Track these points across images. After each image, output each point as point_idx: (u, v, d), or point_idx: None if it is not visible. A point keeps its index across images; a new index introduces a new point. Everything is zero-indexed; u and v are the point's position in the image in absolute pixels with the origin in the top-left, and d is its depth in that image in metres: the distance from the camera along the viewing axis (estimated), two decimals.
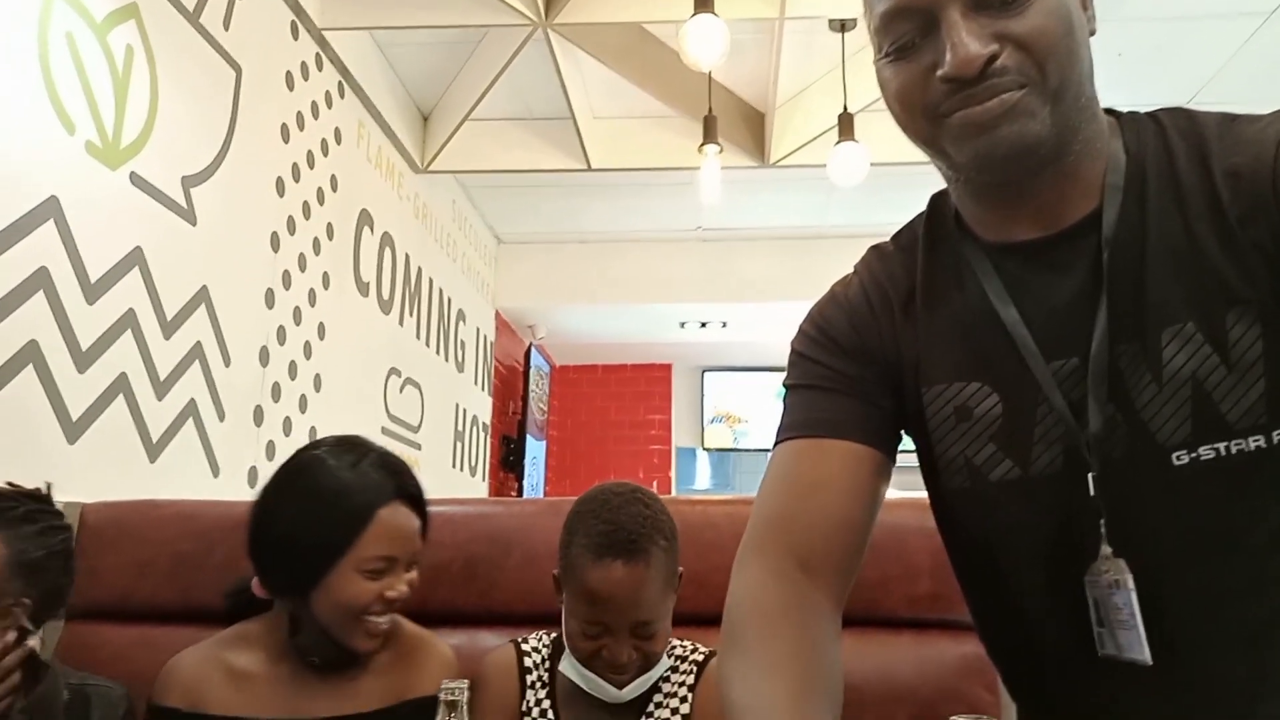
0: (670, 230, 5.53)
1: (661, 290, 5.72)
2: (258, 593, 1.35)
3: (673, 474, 7.11)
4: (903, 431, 0.92)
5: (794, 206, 5.14)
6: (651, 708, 1.27)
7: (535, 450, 6.35)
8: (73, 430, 1.99)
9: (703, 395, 7.33)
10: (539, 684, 1.30)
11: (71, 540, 1.38)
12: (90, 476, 1.98)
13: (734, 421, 7.19)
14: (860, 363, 0.90)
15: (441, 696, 0.90)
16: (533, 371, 6.39)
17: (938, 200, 0.93)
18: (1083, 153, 0.80)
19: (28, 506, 1.35)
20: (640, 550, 1.19)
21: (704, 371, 7.33)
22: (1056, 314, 0.81)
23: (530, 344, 6.39)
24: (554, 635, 1.34)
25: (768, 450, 0.93)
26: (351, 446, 1.30)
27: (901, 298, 0.90)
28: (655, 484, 6.92)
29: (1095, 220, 0.80)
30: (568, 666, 1.25)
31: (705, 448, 7.26)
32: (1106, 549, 0.80)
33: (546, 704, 1.28)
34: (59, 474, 1.89)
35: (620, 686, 1.22)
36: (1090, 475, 0.80)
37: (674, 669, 1.30)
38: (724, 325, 6.21)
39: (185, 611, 1.63)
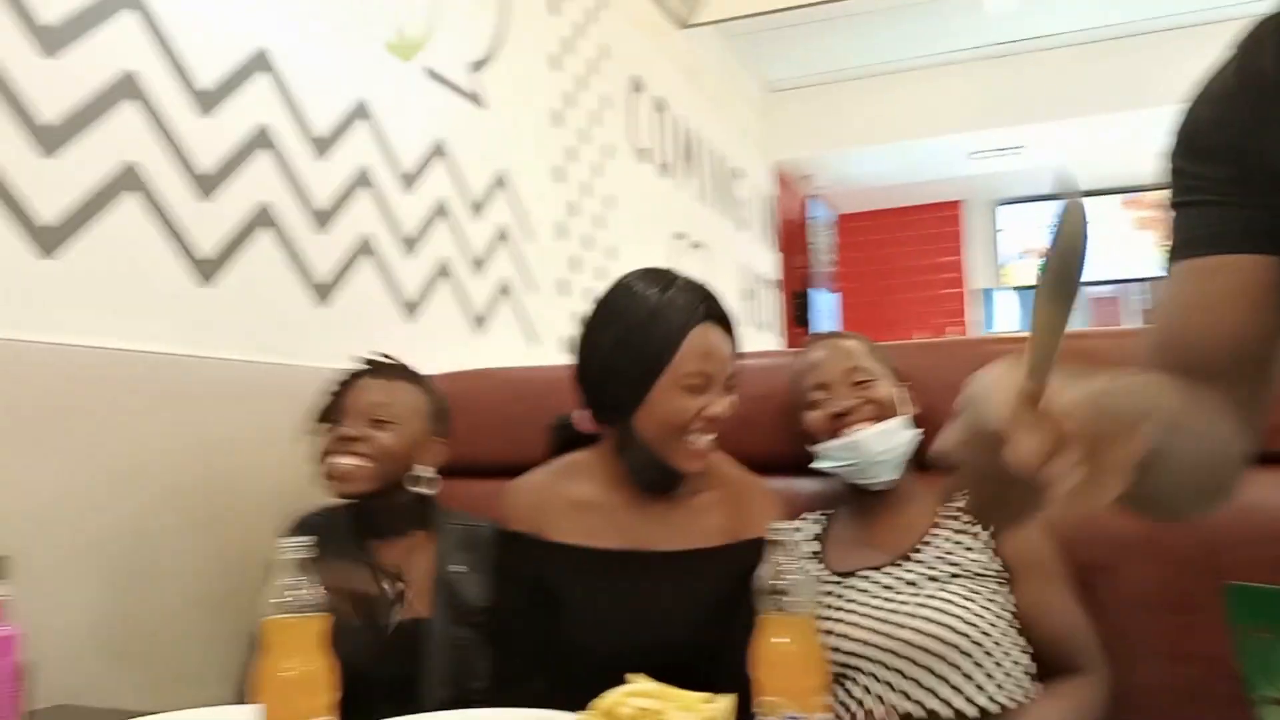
0: (952, 53, 5.07)
1: (947, 120, 5.31)
2: (581, 427, 1.45)
3: (968, 317, 6.76)
4: None
5: (1096, 2, 4.52)
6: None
7: (825, 303, 6.27)
8: (409, 310, 2.21)
9: (997, 231, 6.84)
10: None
11: None
12: (425, 351, 2.20)
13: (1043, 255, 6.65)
14: (1235, 163, 0.77)
15: (771, 537, 0.91)
16: (815, 223, 6.25)
17: None
18: None
19: (415, 371, 1.61)
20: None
21: (998, 205, 6.81)
22: None
23: (810, 195, 6.23)
24: None
25: None
26: (658, 275, 1.36)
27: None
28: (947, 330, 6.63)
29: None
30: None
31: (1006, 286, 6.82)
32: None
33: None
34: (398, 349, 2.12)
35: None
36: None
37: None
38: (1019, 150, 5.69)
39: (520, 467, 1.79)
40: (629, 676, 0.91)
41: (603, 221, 3.22)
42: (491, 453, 1.87)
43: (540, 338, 2.74)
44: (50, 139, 1.42)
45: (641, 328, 1.30)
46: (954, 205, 6.89)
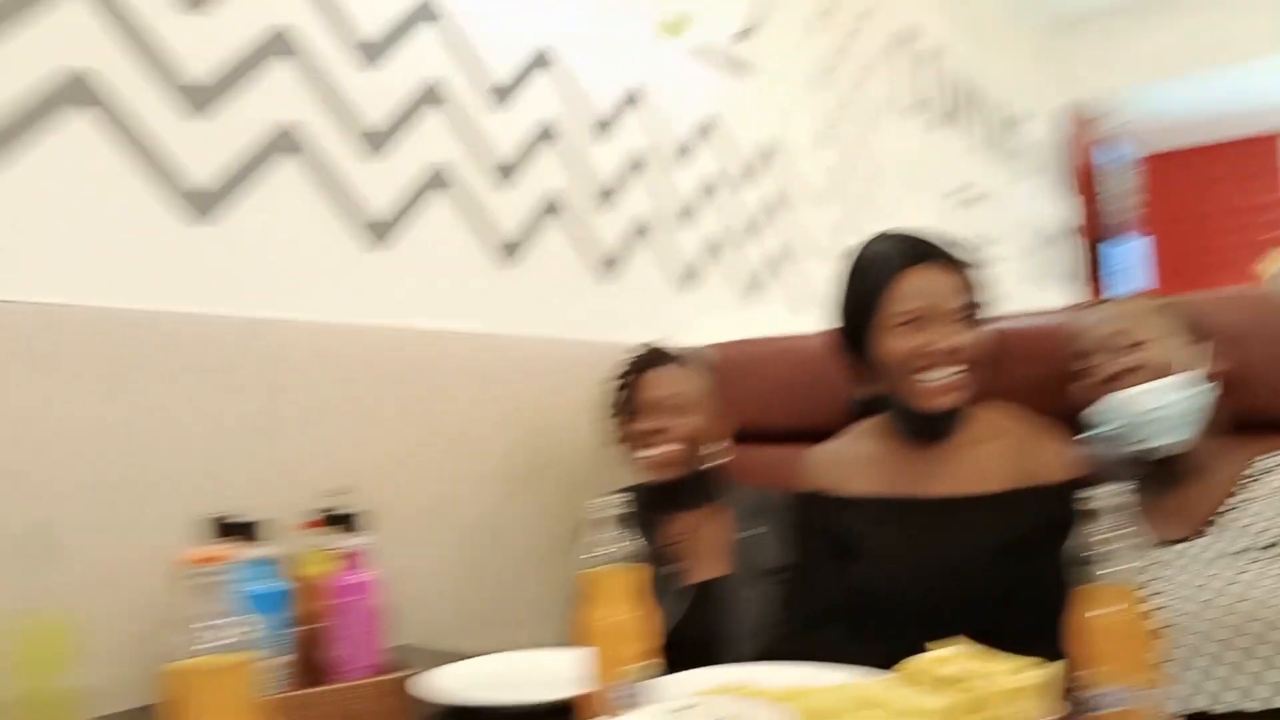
0: None
1: (1261, 42, 4.64)
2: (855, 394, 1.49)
3: None
4: None
5: None
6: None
7: (1132, 251, 5.72)
8: (679, 284, 2.28)
9: None
10: None
11: None
12: (700, 322, 2.26)
13: None
14: None
15: (1085, 505, 0.86)
16: (1115, 166, 5.71)
17: None
18: None
19: (689, 352, 1.71)
20: None
21: None
22: None
23: (1107, 136, 5.69)
24: None
25: None
26: (884, 234, 1.41)
27: None
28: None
29: None
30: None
31: None
32: None
33: None
34: (674, 322, 2.19)
35: None
36: None
37: None
38: None
39: (802, 433, 1.80)
40: (933, 644, 0.90)
41: (873, 182, 3.14)
42: (769, 420, 1.90)
43: (810, 305, 2.73)
44: (374, 141, 1.61)
45: (853, 281, 1.40)
46: (1271, 140, 6.04)
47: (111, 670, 1.16)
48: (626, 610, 0.89)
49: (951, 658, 0.85)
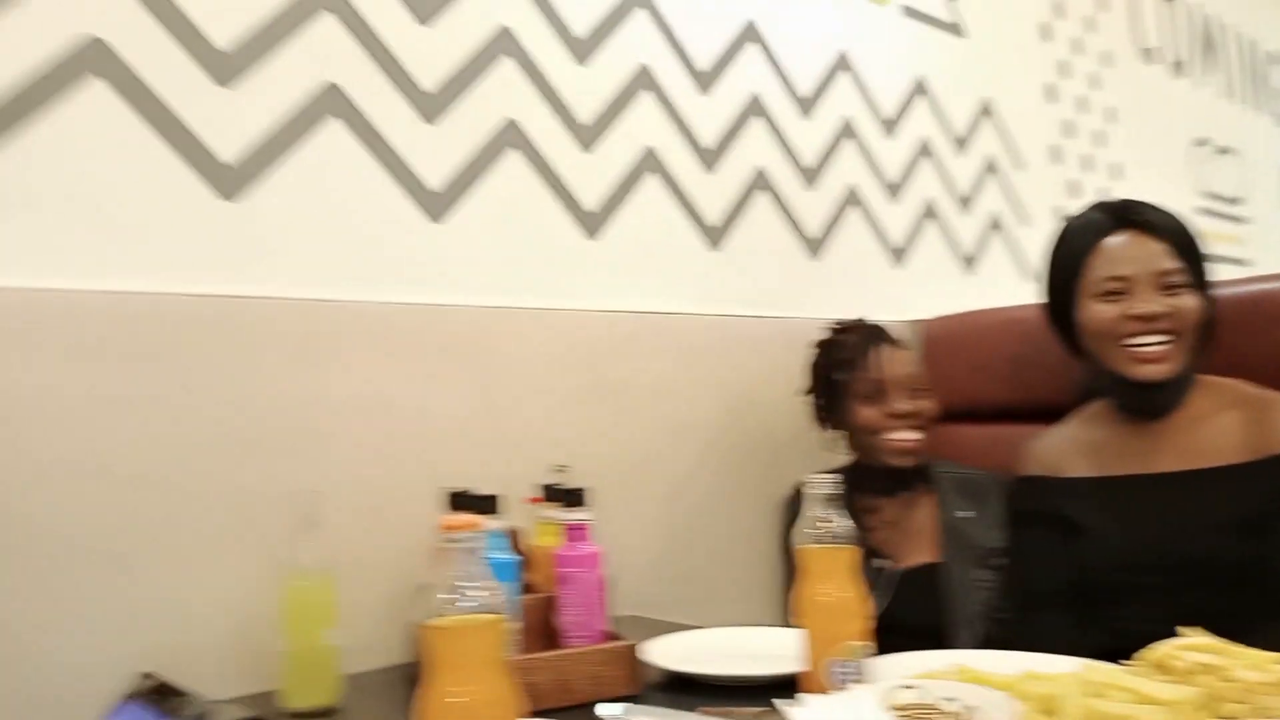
0: None
1: None
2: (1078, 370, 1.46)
3: None
4: None
5: None
6: None
7: None
8: (896, 256, 2.22)
9: None
10: None
11: None
12: (912, 296, 2.20)
13: None
14: None
15: None
16: None
17: None
18: None
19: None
20: None
21: None
22: None
23: None
24: None
25: None
26: (1096, 203, 1.41)
27: None
28: None
29: None
30: None
31: None
32: None
33: None
34: (885, 298, 2.14)
35: None
36: None
37: None
38: None
39: (1022, 409, 1.72)
40: (1181, 630, 0.85)
41: (1104, 138, 2.92)
42: (991, 396, 1.82)
43: (1027, 276, 2.58)
44: (585, 136, 1.67)
45: (1057, 251, 1.41)
46: None
47: (367, 630, 1.29)
48: (844, 588, 0.90)
49: (1197, 646, 0.80)
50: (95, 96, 1.18)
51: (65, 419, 1.13)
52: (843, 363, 1.60)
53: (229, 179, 1.29)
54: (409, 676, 1.25)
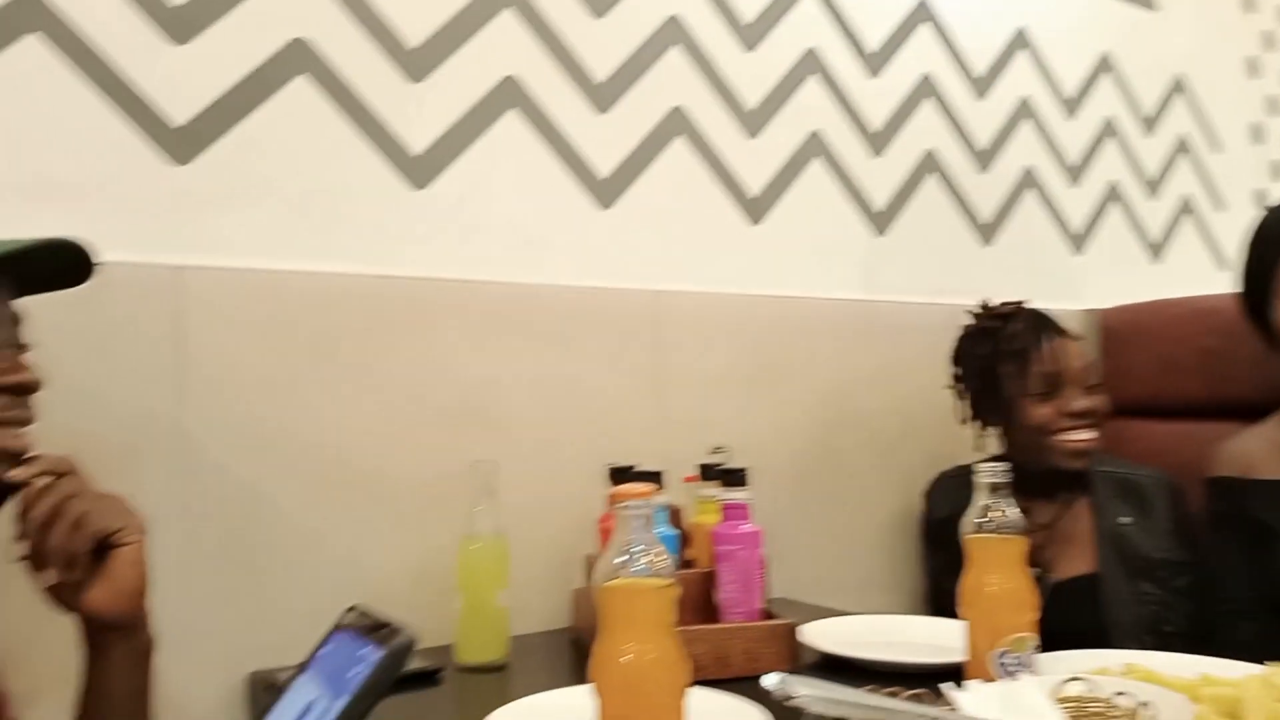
0: None
1: None
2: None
3: None
4: None
5: None
6: None
7: None
8: (1075, 242, 2.12)
9: None
10: None
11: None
12: (1099, 283, 2.09)
13: None
14: None
15: None
16: None
17: None
18: None
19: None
20: None
21: None
22: None
23: None
24: None
25: None
26: None
27: None
28: None
29: None
30: None
31: None
32: None
33: None
34: (1062, 284, 2.05)
35: None
36: None
37: None
38: None
39: (1214, 405, 1.62)
40: None
41: None
42: (1178, 391, 1.72)
43: (1232, 261, 2.40)
44: (751, 122, 1.68)
45: (1254, 241, 1.36)
46: None
47: (534, 594, 1.36)
48: (1012, 578, 0.88)
49: None
50: (300, 94, 1.29)
51: (270, 392, 1.24)
52: (1011, 354, 1.47)
53: (418, 169, 1.38)
54: (571, 641, 1.32)
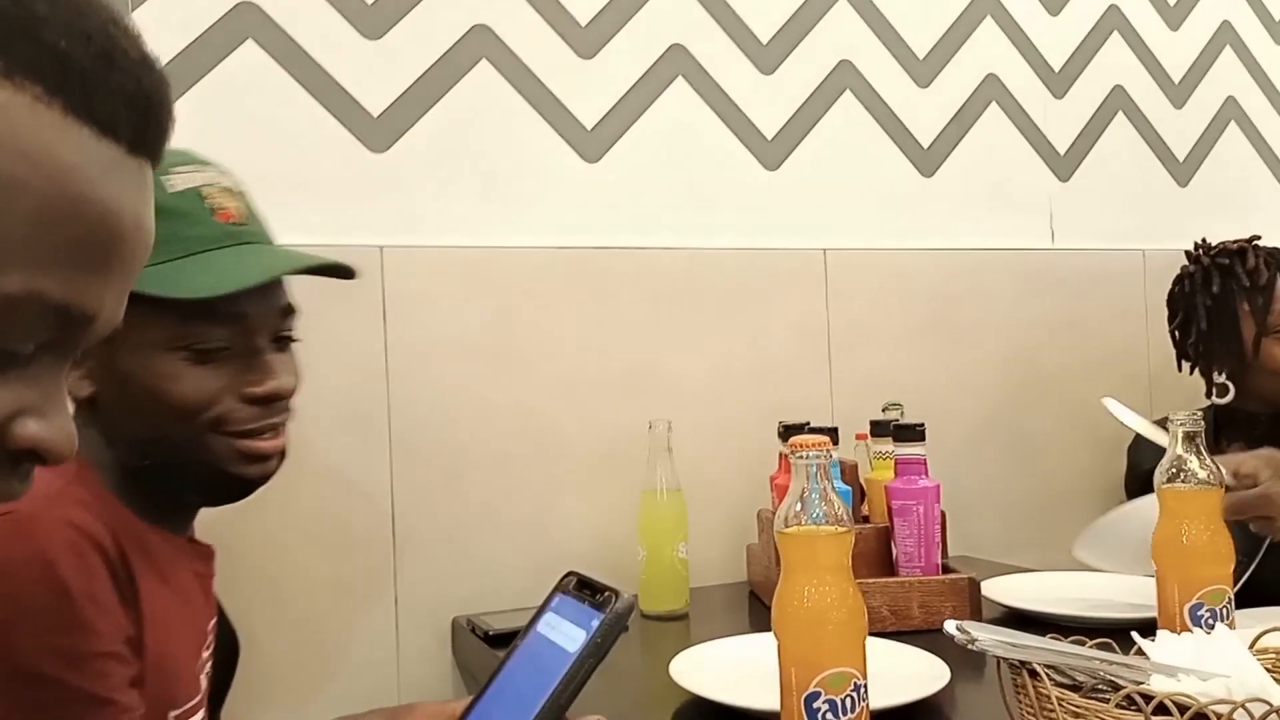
0: None
1: None
2: None
3: None
4: None
5: None
6: None
7: None
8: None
9: None
10: None
11: None
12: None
13: None
14: None
15: None
16: None
17: None
18: None
19: None
20: None
21: None
22: None
23: None
24: None
25: None
26: None
27: None
28: None
29: None
30: None
31: None
32: None
33: None
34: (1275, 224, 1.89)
35: None
36: None
37: None
38: None
39: None
40: None
41: None
42: None
43: None
44: (921, 72, 1.65)
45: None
46: None
47: (709, 548, 1.41)
48: (1208, 530, 0.85)
49: None
50: (482, 77, 1.37)
51: (464, 361, 1.34)
52: (1252, 290, 1.40)
53: (592, 144, 1.43)
54: (745, 593, 1.36)
